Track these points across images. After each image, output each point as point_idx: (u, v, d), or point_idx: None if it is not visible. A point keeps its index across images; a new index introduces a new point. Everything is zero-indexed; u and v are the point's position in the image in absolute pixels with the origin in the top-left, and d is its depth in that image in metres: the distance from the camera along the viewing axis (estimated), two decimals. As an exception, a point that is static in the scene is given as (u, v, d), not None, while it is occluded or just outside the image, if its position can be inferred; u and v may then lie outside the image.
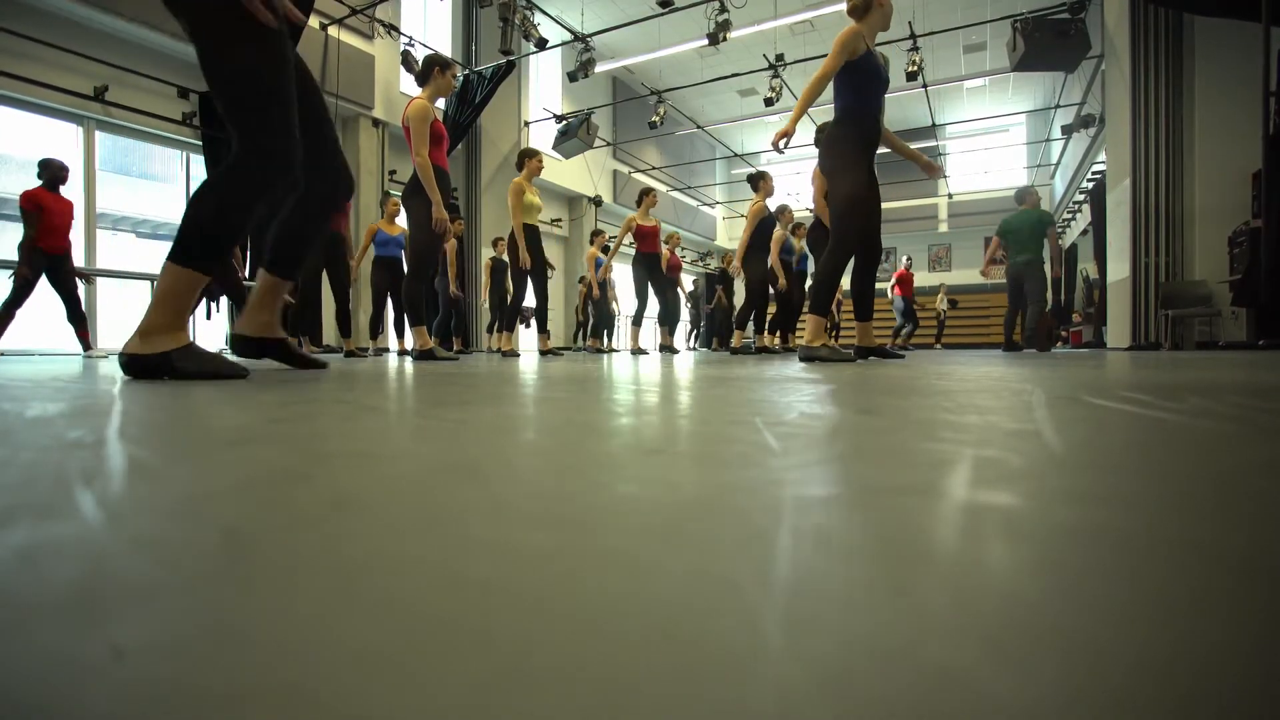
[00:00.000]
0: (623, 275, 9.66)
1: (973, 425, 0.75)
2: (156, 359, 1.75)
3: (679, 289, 9.08)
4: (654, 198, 7.26)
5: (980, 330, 16.82)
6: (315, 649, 0.20)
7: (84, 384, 1.61)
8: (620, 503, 0.40)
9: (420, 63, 4.32)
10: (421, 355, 4.10)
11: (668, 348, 7.67)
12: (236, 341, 2.29)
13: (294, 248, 2.22)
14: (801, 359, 3.39)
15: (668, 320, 7.73)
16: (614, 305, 9.92)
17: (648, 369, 2.63)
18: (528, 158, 5.69)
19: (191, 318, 6.37)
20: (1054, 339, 11.79)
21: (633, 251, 7.41)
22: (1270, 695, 0.17)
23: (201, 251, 1.81)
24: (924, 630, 0.21)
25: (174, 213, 8.14)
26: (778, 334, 7.94)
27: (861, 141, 3.48)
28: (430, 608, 0.23)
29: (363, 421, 0.82)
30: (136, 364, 1.75)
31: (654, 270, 7.38)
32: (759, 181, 6.55)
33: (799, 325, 8.02)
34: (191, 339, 1.85)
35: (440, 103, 10.41)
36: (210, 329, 7.28)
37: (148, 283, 7.11)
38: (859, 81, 3.46)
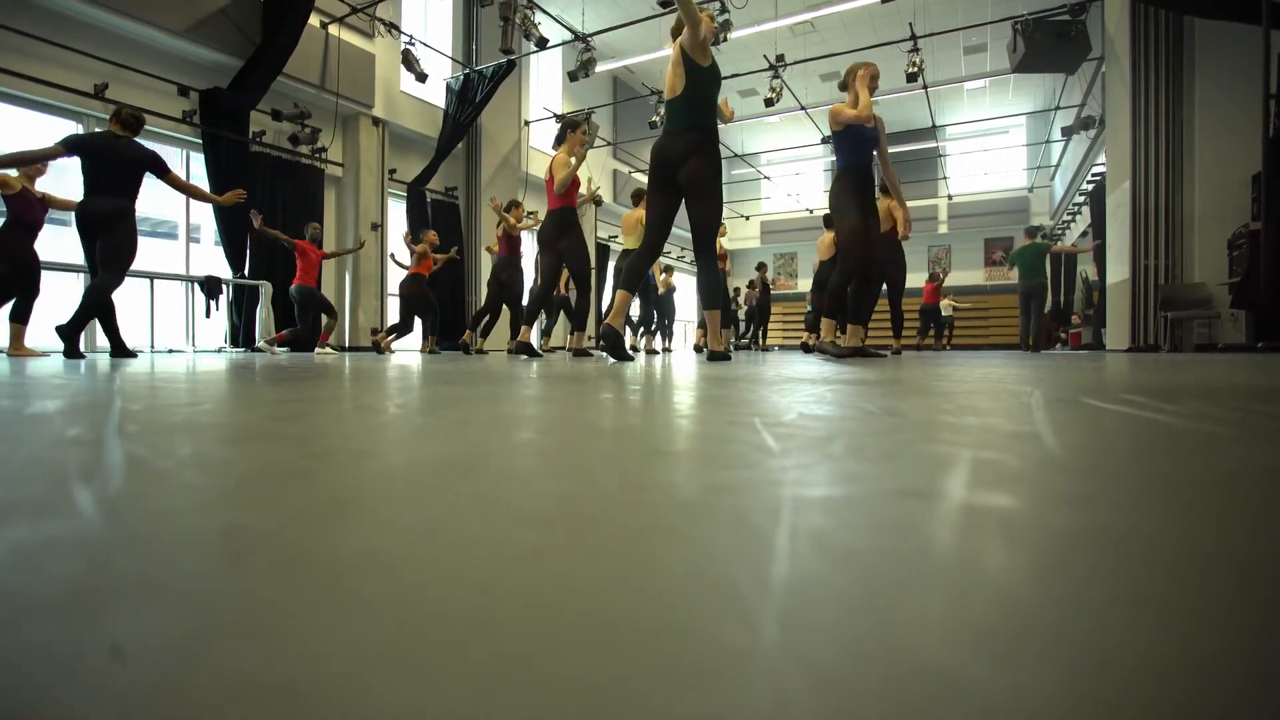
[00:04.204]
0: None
1: (972, 427, 0.75)
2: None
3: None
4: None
5: (980, 331, 16.83)
6: (314, 647, 0.20)
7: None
8: (619, 502, 0.40)
9: (561, 122, 5.28)
10: (579, 354, 5.15)
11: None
12: (610, 332, 3.51)
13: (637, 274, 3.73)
14: (811, 351, 4.21)
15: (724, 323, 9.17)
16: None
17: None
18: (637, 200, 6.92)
19: (190, 315, 6.36)
20: (1053, 340, 11.90)
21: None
22: (1270, 699, 0.17)
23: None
24: (922, 632, 0.21)
25: (173, 210, 8.11)
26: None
27: (849, 189, 4.39)
28: (429, 607, 0.23)
29: (361, 419, 0.82)
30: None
31: None
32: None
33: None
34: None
35: (439, 97, 10.41)
36: (210, 325, 7.28)
37: (146, 280, 7.10)
38: (853, 142, 4.39)
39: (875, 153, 4.53)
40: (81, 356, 4.17)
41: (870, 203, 4.46)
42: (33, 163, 4.26)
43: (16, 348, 4.55)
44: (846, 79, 4.46)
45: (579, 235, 5.17)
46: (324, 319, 7.07)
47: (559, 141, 5.20)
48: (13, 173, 4.50)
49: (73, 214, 4.48)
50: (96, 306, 4.26)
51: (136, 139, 4.36)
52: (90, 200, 4.21)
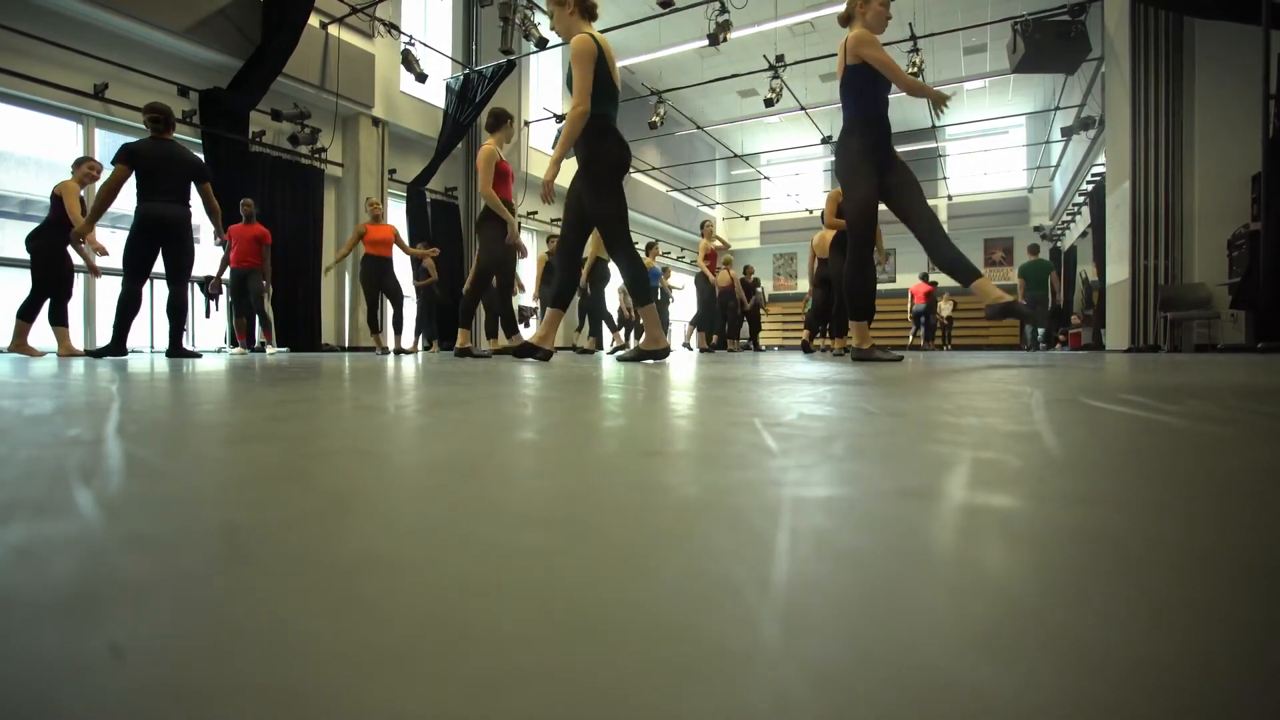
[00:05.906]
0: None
1: (971, 427, 0.75)
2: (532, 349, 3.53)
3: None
4: (712, 225, 9.55)
5: (980, 332, 16.82)
6: (314, 648, 0.20)
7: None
8: (619, 502, 0.40)
9: (490, 114, 5.12)
10: (461, 353, 4.99)
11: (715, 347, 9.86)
12: (661, 352, 3.53)
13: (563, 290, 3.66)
14: (855, 359, 3.61)
15: (708, 325, 9.96)
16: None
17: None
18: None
19: (191, 316, 6.45)
20: (1052, 341, 11.97)
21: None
22: (1270, 698, 0.17)
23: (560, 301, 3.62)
24: (923, 632, 0.21)
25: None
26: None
27: (865, 149, 3.48)
28: (429, 607, 0.23)
29: (361, 419, 0.82)
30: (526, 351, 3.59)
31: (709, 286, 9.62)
32: None
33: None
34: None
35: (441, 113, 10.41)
36: (209, 326, 7.28)
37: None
38: (859, 86, 3.48)
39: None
40: (196, 355, 4.59)
41: (890, 161, 3.50)
42: (112, 198, 4.36)
43: (18, 345, 4.59)
44: (851, 8, 3.51)
45: (492, 230, 4.98)
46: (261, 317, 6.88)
47: (493, 129, 5.04)
48: (78, 189, 4.83)
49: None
50: (180, 315, 4.64)
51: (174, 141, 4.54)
52: (153, 205, 4.35)
